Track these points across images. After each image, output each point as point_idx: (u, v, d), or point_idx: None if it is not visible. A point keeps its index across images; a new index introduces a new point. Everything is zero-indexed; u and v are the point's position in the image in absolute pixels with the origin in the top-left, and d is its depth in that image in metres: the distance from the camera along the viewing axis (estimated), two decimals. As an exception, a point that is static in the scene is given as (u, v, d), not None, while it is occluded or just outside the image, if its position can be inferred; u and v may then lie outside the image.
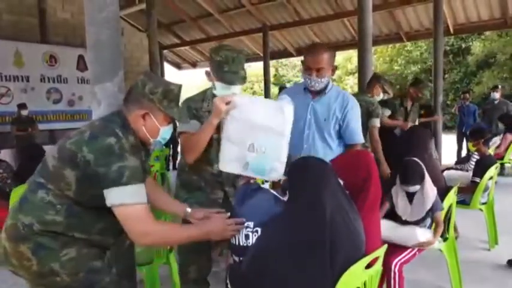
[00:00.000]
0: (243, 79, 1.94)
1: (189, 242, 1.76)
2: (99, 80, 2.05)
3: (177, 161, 9.13)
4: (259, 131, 1.81)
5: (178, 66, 14.10)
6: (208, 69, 1.98)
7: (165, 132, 1.59)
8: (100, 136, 1.42)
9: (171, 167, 9.08)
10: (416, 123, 4.84)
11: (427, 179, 2.52)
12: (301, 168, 1.57)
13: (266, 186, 1.94)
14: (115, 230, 1.54)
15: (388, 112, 4.35)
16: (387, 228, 2.46)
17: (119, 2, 2.14)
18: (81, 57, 9.12)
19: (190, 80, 20.41)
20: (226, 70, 1.90)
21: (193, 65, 13.55)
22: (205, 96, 2.06)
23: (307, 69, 2.24)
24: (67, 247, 1.47)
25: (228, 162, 1.87)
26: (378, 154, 3.78)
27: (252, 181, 1.95)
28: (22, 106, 7.37)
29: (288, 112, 1.86)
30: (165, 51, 12.57)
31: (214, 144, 2.01)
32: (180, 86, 1.59)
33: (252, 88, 27.52)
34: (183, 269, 2.12)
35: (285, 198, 1.67)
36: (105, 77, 2.05)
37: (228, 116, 1.84)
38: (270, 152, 1.82)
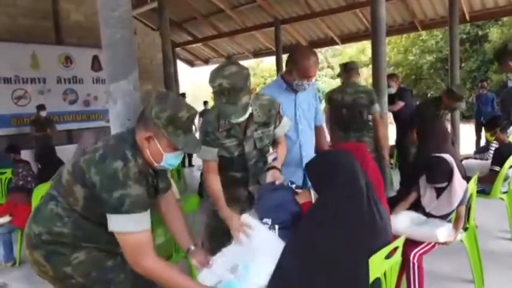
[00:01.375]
0: (244, 110, 1.77)
1: None
2: (115, 79, 2.07)
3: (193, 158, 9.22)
4: (250, 257, 1.58)
5: (191, 64, 14.16)
6: None
7: (169, 158, 1.50)
8: (109, 158, 1.41)
9: (186, 163, 9.16)
10: None
11: (457, 175, 2.47)
12: (331, 163, 1.56)
13: (292, 186, 1.95)
14: None
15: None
16: (408, 226, 2.44)
17: (131, 2, 2.15)
18: (95, 58, 9.22)
19: (203, 77, 20.43)
20: (224, 102, 1.75)
21: (206, 61, 13.59)
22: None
23: (305, 76, 2.27)
24: (76, 251, 1.51)
25: (208, 271, 1.66)
26: (382, 137, 3.91)
27: (277, 182, 1.94)
28: (41, 107, 7.51)
29: None
30: (177, 49, 12.63)
31: (235, 160, 2.02)
32: (192, 114, 1.49)
33: (264, 83, 27.44)
34: None
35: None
36: (120, 76, 2.06)
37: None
38: (247, 282, 1.54)
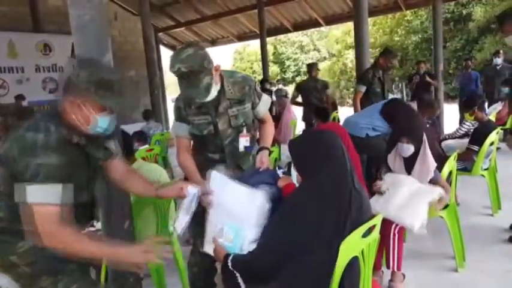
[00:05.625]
0: (206, 90, 1.77)
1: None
2: (86, 63, 2.00)
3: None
4: (230, 217, 1.66)
5: (174, 49, 13.92)
6: None
7: (101, 121, 1.46)
8: (29, 132, 1.38)
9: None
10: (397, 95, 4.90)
11: (428, 152, 2.49)
12: (323, 144, 1.53)
13: (279, 172, 1.93)
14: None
15: (363, 88, 4.38)
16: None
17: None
18: (75, 45, 9.00)
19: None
20: (186, 86, 1.75)
21: (190, 46, 13.38)
22: None
23: None
24: (22, 240, 1.45)
25: (206, 243, 1.73)
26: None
27: (261, 169, 1.90)
28: (20, 97, 7.31)
29: (261, 204, 1.65)
30: (160, 34, 12.40)
31: (209, 139, 1.99)
32: (119, 76, 1.48)
33: (251, 68, 27.21)
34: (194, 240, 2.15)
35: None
36: (92, 59, 2.00)
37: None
38: (236, 240, 1.62)
